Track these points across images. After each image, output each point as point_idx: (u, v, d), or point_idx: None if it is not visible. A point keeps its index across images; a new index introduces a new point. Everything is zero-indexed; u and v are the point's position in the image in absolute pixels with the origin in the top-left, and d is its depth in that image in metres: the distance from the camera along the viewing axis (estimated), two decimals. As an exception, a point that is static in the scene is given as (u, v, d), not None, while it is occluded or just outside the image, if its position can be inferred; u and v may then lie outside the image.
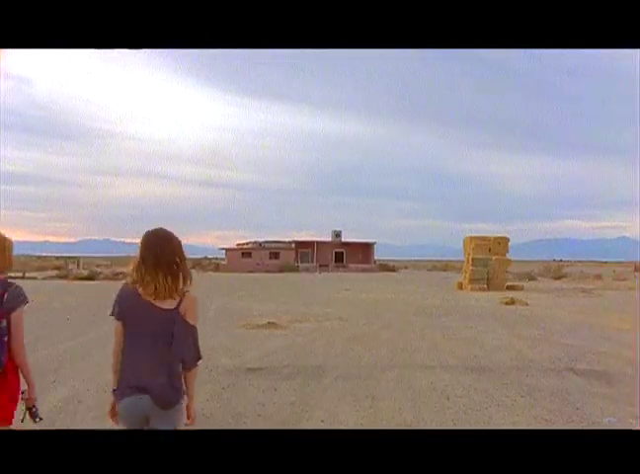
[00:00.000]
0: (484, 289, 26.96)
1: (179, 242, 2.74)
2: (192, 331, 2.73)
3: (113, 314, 2.73)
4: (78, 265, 53.12)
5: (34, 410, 3.00)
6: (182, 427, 2.76)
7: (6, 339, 2.86)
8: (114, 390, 2.75)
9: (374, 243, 64.16)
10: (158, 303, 2.66)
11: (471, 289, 26.97)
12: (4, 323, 2.86)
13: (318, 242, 62.01)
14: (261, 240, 62.59)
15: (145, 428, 2.65)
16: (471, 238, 30.10)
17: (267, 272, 51.08)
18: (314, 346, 9.69)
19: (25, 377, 2.98)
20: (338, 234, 63.11)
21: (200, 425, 5.04)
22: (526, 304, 18.31)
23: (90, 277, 33.42)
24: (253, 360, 7.96)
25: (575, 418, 5.44)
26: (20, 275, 34.34)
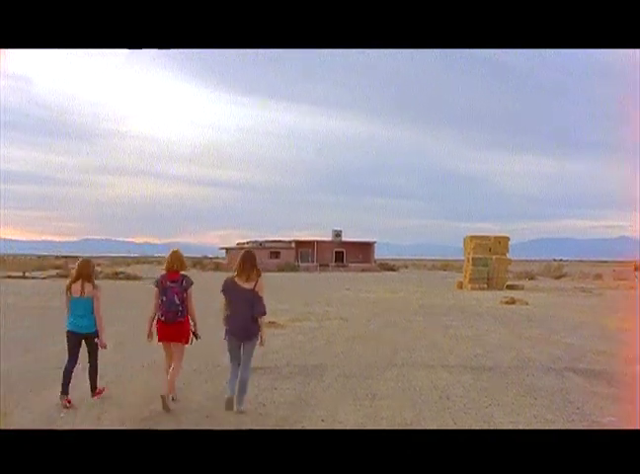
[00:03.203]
0: (484, 289, 26.96)
1: (255, 256, 5.63)
2: (261, 298, 5.46)
3: (222, 291, 5.53)
4: (78, 264, 52.95)
5: (197, 333, 5.77)
6: (257, 348, 5.62)
7: (185, 303, 5.62)
8: (225, 329, 5.54)
9: (374, 242, 64.14)
10: (243, 285, 5.42)
11: (471, 289, 26.98)
12: (185, 295, 5.62)
13: (318, 241, 61.97)
14: (261, 239, 62.55)
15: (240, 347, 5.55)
16: (471, 238, 30.10)
17: (267, 271, 51.00)
18: (314, 345, 9.69)
19: (192, 319, 5.75)
20: (338, 233, 63.05)
21: (200, 424, 5.04)
22: (527, 304, 18.31)
23: (90, 277, 33.28)
24: (253, 360, 7.95)
25: (575, 417, 5.43)
26: (20, 274, 34.33)
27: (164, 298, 5.56)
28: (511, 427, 5.11)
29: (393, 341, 10.21)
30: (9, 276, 32.63)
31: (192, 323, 5.76)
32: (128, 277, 33.08)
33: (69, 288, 5.84)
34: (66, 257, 62.92)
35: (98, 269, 42.89)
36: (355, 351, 9.12)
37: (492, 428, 5.06)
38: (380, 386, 6.63)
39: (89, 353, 5.86)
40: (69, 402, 5.61)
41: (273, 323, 11.98)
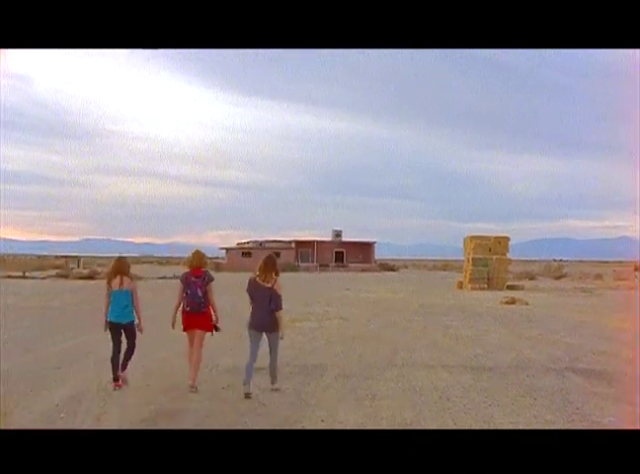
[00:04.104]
0: (484, 289, 26.96)
1: (275, 259, 6.58)
2: (279, 295, 6.29)
3: (247, 290, 6.38)
4: (79, 264, 53.11)
5: (217, 326, 6.53)
6: (279, 341, 6.45)
7: (207, 296, 6.39)
8: (248, 322, 6.42)
9: (374, 242, 64.12)
10: (264, 284, 6.24)
11: (471, 289, 26.98)
12: (207, 288, 6.39)
13: (318, 242, 61.96)
14: (261, 240, 62.56)
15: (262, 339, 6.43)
16: (471, 238, 30.09)
17: (267, 271, 50.87)
18: (314, 345, 9.69)
19: (213, 309, 6.50)
20: (338, 234, 63.05)
21: (200, 424, 5.04)
22: (527, 304, 18.31)
23: (91, 277, 33.37)
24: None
25: (575, 418, 5.43)
26: (20, 274, 34.33)
27: (188, 291, 6.35)
28: (511, 427, 5.11)
29: (393, 341, 10.21)
30: (9, 276, 32.62)
31: (213, 314, 6.50)
32: (128, 278, 33.00)
33: (109, 283, 6.59)
34: (66, 257, 62.84)
35: (98, 268, 43.10)
36: (355, 351, 9.12)
37: (492, 428, 5.06)
38: (380, 386, 6.63)
39: (128, 337, 6.54)
40: (119, 385, 6.36)
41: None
